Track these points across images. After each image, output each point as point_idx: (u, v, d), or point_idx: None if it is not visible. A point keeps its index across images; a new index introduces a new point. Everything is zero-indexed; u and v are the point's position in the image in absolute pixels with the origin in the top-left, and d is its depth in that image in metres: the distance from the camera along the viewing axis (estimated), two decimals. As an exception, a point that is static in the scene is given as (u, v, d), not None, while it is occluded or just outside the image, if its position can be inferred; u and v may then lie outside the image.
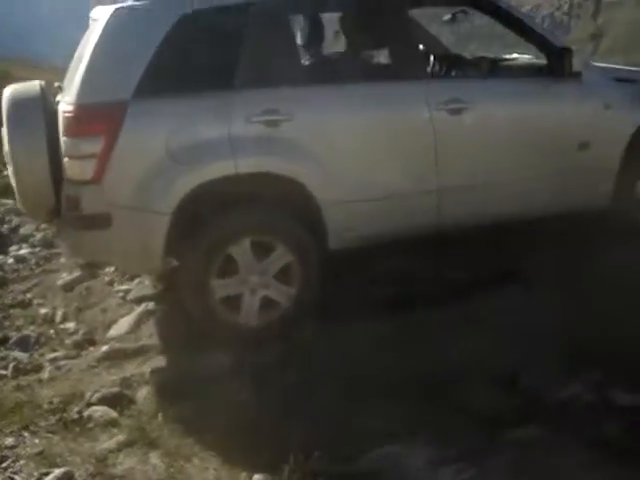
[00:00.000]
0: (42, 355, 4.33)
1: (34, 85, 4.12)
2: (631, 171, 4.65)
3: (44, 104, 3.97)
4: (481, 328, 3.70)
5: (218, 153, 3.78)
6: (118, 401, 3.60)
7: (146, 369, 3.88)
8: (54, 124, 3.84)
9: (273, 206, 3.92)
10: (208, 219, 3.83)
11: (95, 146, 3.66)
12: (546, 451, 2.89)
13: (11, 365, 4.15)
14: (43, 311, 4.89)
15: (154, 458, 3.12)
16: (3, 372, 4.12)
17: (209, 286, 3.85)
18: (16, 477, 3.08)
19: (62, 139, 3.76)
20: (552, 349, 3.50)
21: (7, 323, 4.83)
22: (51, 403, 3.65)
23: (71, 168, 3.75)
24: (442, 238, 4.26)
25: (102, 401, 3.62)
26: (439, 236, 4.26)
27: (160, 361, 3.96)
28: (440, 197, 4.20)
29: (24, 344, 4.49)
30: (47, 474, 3.06)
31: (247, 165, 3.81)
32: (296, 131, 3.89)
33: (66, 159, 3.75)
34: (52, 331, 4.63)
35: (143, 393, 3.65)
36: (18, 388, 3.88)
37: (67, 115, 3.73)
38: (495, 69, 5.07)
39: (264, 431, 3.20)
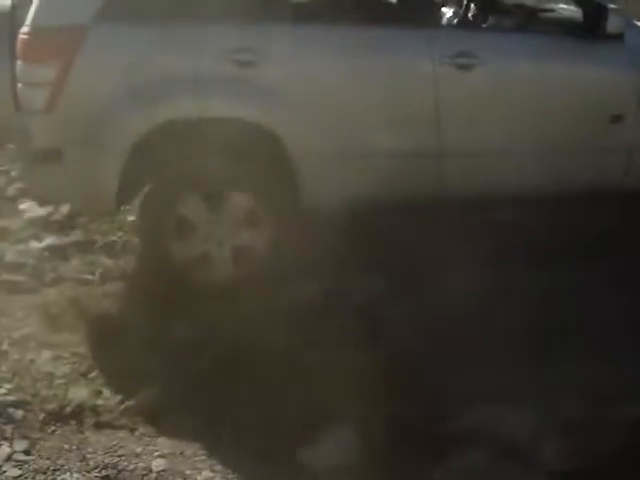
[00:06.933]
0: (129, 263, 4.28)
1: (5, 1, 3.72)
2: None
3: (12, 22, 3.55)
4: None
5: (182, 91, 3.47)
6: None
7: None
8: None
9: (243, 156, 3.57)
10: (163, 165, 3.57)
11: (49, 73, 3.37)
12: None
13: (98, 271, 4.11)
14: (131, 218, 4.82)
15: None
16: (90, 277, 4.09)
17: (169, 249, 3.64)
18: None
19: (17, 64, 3.44)
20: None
21: (92, 226, 4.79)
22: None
23: (23, 96, 3.46)
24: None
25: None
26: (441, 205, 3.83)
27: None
28: (443, 163, 3.81)
29: (110, 250, 4.45)
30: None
31: (214, 108, 3.52)
32: (271, 73, 3.54)
33: (19, 86, 3.45)
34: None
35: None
36: (105, 296, 3.86)
37: (21, 38, 3.40)
38: (524, 22, 4.30)
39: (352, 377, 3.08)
